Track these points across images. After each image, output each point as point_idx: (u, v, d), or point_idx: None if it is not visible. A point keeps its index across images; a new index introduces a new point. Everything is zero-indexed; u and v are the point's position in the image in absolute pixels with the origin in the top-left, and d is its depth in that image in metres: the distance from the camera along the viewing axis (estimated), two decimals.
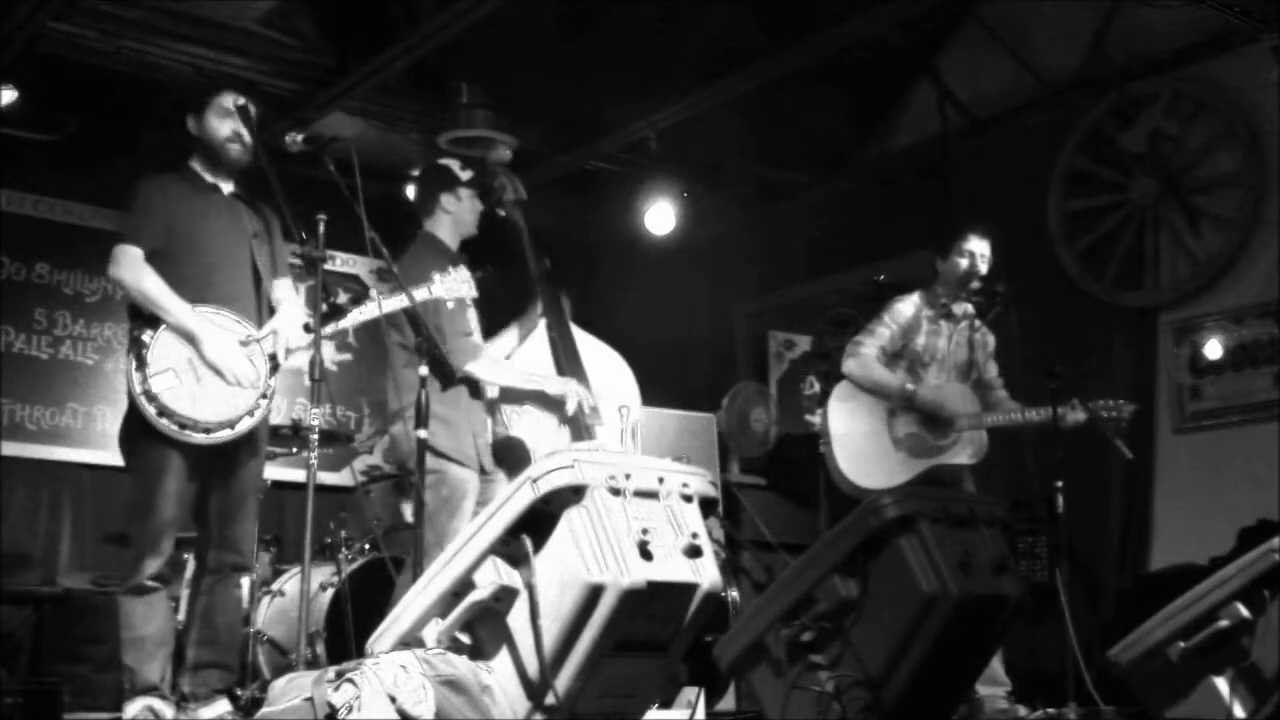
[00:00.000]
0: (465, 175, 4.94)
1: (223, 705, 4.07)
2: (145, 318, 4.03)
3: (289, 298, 4.33)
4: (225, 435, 4.00)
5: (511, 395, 4.79)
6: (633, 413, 4.99)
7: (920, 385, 5.17)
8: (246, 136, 4.20)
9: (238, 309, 4.13)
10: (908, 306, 5.32)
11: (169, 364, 3.94)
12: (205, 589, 4.18)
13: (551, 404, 4.78)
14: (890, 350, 5.28)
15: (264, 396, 4.08)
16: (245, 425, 4.03)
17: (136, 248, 4.07)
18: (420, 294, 4.29)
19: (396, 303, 4.25)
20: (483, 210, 4.97)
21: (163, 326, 3.99)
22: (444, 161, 5.06)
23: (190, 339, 3.99)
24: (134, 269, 4.04)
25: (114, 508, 6.72)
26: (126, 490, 4.12)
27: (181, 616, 5.46)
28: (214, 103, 4.24)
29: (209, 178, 4.26)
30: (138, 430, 3.99)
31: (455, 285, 4.36)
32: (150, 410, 3.90)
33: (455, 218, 4.89)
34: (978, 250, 5.25)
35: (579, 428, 4.75)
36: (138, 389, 3.91)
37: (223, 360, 4.00)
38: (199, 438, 3.96)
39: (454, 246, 4.90)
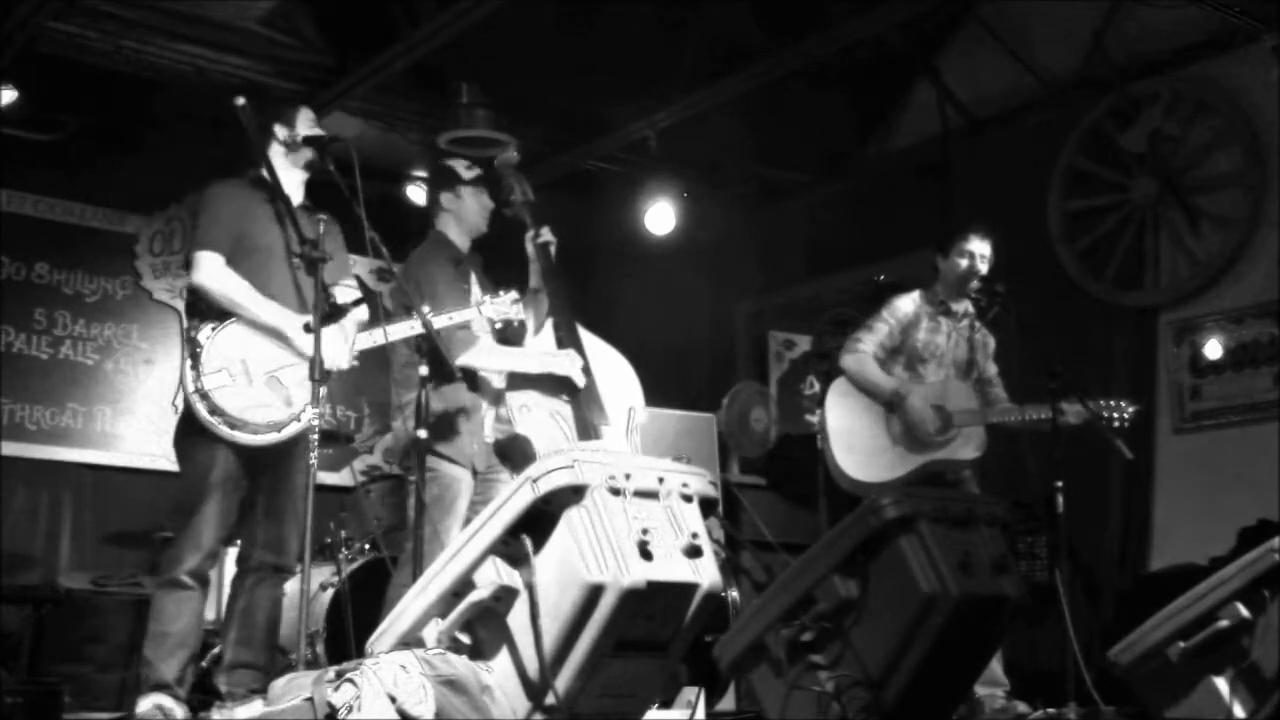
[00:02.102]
0: (468, 174, 4.93)
1: (258, 706, 4.06)
2: (201, 317, 4.10)
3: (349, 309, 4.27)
4: (272, 438, 4.06)
5: (517, 384, 4.76)
6: (639, 415, 4.99)
7: (911, 394, 5.16)
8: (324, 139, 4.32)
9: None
10: (907, 303, 5.33)
11: (222, 364, 4.03)
12: (246, 589, 4.22)
13: (558, 401, 4.76)
14: (889, 346, 5.29)
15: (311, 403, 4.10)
16: (291, 430, 4.08)
17: (217, 254, 4.14)
18: (469, 314, 4.43)
19: (444, 320, 4.35)
20: (492, 209, 4.96)
21: (223, 327, 4.04)
22: (450, 162, 5.06)
23: (280, 336, 4.08)
24: (218, 274, 4.12)
25: (114, 508, 6.74)
26: (175, 488, 4.21)
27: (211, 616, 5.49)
28: (301, 113, 4.37)
29: (283, 188, 4.29)
30: (191, 431, 4.06)
31: (504, 308, 4.47)
32: (202, 408, 3.98)
33: (457, 216, 4.89)
34: (978, 250, 5.25)
35: (586, 426, 4.74)
36: (191, 388, 3.99)
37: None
38: (245, 438, 4.02)
39: (463, 246, 4.90)
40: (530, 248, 5.00)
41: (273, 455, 4.13)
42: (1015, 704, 4.89)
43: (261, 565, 4.21)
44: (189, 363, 4.02)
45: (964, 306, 5.30)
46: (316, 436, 3.95)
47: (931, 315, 5.31)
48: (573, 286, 5.08)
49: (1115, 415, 4.91)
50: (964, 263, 5.25)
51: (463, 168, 4.96)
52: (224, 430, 4.00)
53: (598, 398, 4.80)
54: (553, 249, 4.98)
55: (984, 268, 5.25)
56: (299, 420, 4.09)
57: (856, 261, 7.62)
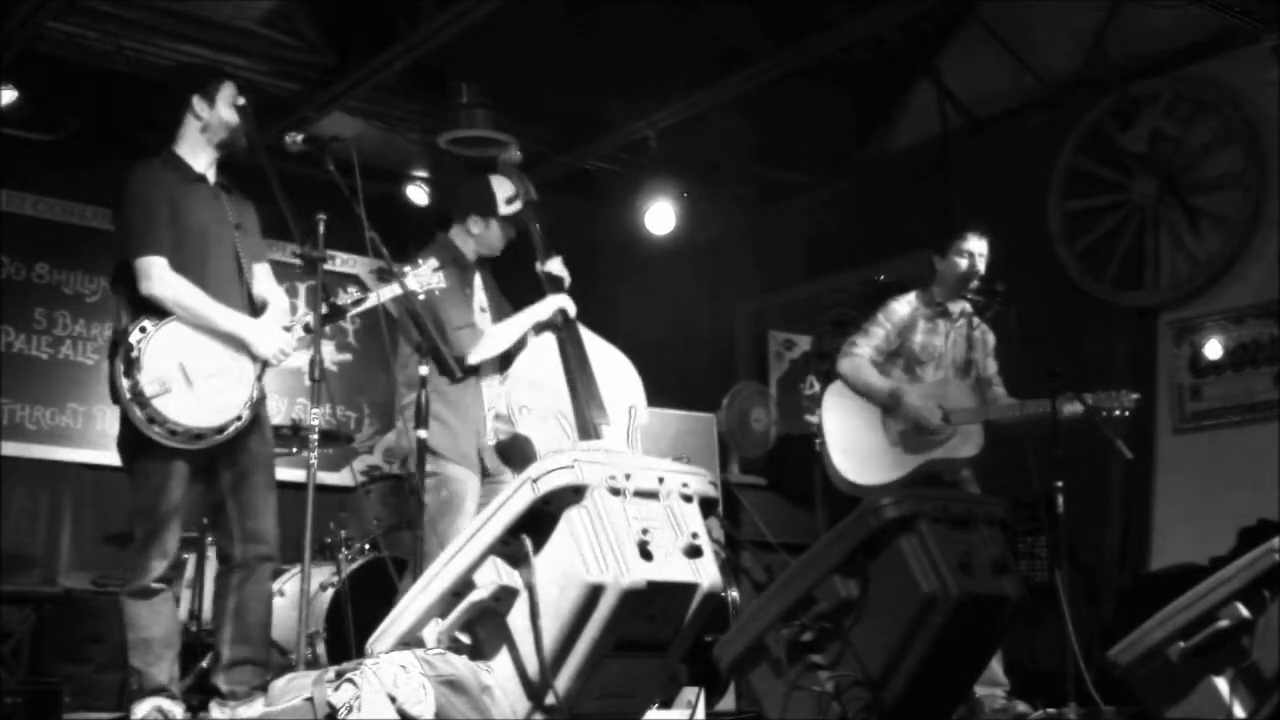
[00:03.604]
0: (507, 209, 4.90)
1: (259, 706, 4.04)
2: (132, 317, 3.95)
3: (273, 291, 4.26)
4: (214, 441, 3.96)
5: (522, 391, 4.76)
6: (640, 414, 4.99)
7: (908, 392, 5.16)
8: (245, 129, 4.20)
9: (226, 297, 4.08)
10: (903, 306, 5.32)
11: (159, 369, 3.88)
12: (235, 585, 4.13)
13: (558, 401, 4.76)
14: (886, 350, 5.28)
15: (251, 400, 4.04)
16: (232, 430, 3.99)
17: (160, 257, 3.98)
18: (391, 290, 4.26)
19: (389, 292, 4.23)
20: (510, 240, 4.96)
21: (158, 328, 3.91)
22: (495, 180, 4.97)
23: (237, 342, 4.00)
24: (169, 281, 3.96)
25: (114, 508, 6.73)
26: (130, 494, 4.09)
27: (184, 616, 5.48)
28: (222, 90, 4.20)
29: (198, 167, 4.20)
30: (135, 435, 3.94)
31: (425, 278, 4.33)
32: (139, 415, 3.85)
33: (478, 240, 4.92)
34: (976, 250, 5.25)
35: (586, 426, 4.74)
36: (127, 395, 3.85)
37: (273, 350, 4.03)
38: (184, 445, 3.91)
39: (471, 260, 4.92)
40: (539, 268, 5.02)
41: (225, 451, 4.05)
42: (1015, 704, 4.89)
43: (246, 560, 4.14)
44: (121, 368, 3.86)
45: (961, 306, 5.30)
46: (316, 436, 3.95)
47: (928, 317, 5.31)
48: (571, 286, 5.08)
49: (1116, 406, 4.90)
50: (963, 263, 5.24)
51: (503, 200, 4.90)
52: (164, 438, 3.87)
53: (598, 397, 4.80)
54: (566, 282, 4.96)
55: (983, 267, 5.25)
56: (240, 420, 4.00)
57: (856, 261, 7.61)
